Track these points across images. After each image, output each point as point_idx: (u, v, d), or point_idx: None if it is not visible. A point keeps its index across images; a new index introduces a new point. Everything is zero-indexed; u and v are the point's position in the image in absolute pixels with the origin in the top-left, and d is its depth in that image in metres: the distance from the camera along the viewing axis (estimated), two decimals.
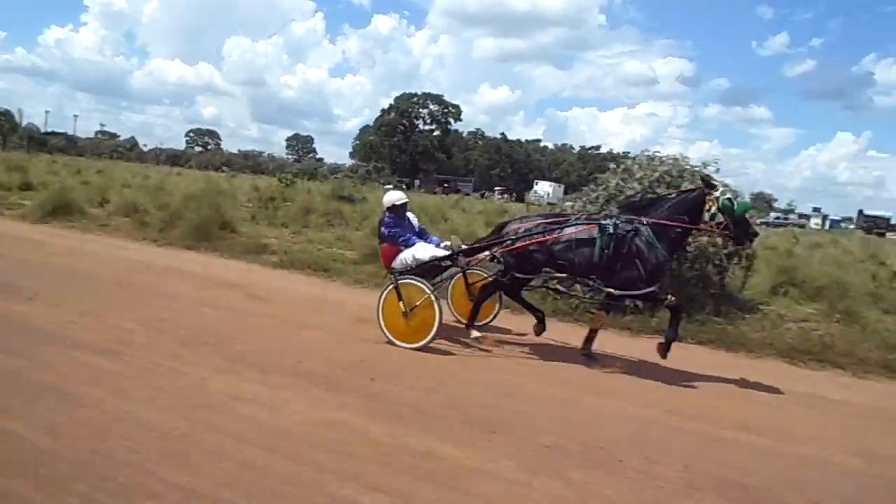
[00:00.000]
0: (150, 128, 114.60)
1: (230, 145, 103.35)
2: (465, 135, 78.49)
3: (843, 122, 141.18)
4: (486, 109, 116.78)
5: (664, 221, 5.11)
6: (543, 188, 54.65)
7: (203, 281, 7.42)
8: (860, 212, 56.51)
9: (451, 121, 73.98)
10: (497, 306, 6.24)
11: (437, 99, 73.53)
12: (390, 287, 5.45)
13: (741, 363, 5.81)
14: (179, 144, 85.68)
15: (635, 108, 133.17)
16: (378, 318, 5.47)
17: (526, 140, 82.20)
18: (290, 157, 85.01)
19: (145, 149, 76.62)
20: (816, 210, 64.68)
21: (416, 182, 62.76)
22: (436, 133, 72.96)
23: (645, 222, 5.14)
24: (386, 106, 73.78)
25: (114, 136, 79.41)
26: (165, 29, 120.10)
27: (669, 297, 5.12)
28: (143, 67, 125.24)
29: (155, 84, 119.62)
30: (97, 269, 7.52)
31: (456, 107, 74.28)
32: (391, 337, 5.40)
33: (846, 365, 5.83)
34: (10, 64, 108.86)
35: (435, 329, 5.24)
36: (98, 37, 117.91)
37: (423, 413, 3.91)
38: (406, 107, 72.05)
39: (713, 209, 4.96)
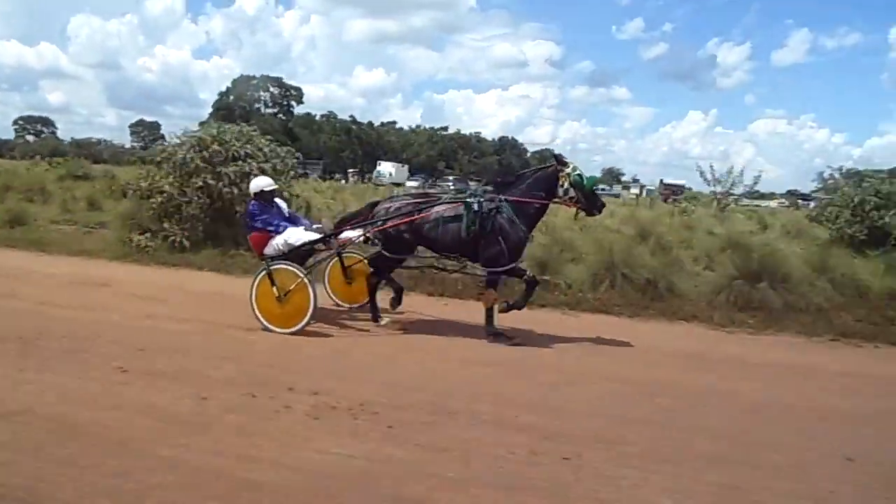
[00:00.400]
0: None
1: (82, 133, 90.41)
2: (318, 118, 76.85)
3: (693, 102, 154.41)
4: (362, 92, 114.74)
5: (524, 199, 5.44)
6: (386, 168, 55.10)
7: None
8: (661, 181, 63.71)
9: (294, 103, 72.31)
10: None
11: (278, 81, 71.31)
12: (263, 273, 5.33)
13: None
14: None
15: (508, 90, 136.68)
16: (252, 304, 5.33)
17: (381, 123, 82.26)
18: (135, 143, 76.14)
19: None
20: (636, 181, 72.37)
21: None
22: (278, 116, 70.31)
23: (506, 200, 5.42)
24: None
25: None
26: None
27: (528, 272, 5.57)
28: None
29: None
30: None
31: (298, 89, 72.91)
32: (266, 323, 5.29)
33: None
34: None
35: (310, 313, 5.22)
36: None
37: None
38: (244, 90, 68.76)
39: (566, 184, 5.37)
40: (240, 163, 8.88)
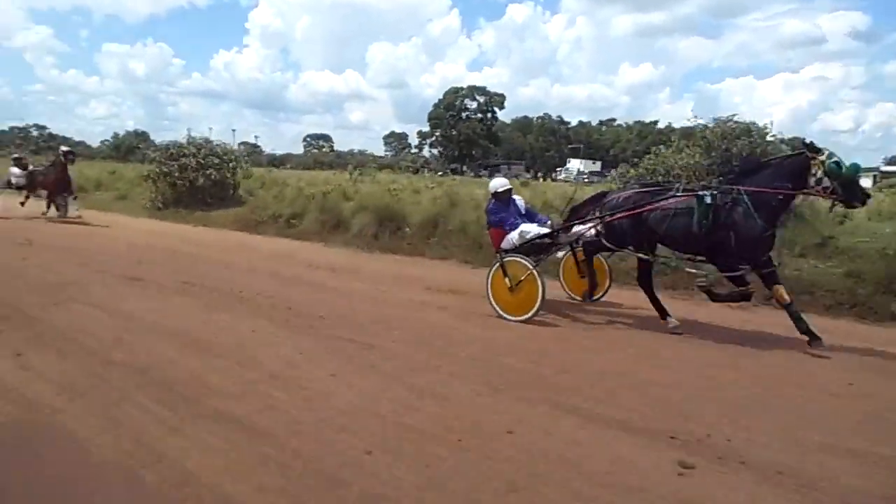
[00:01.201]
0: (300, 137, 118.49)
1: (376, 147, 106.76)
2: (534, 120, 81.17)
3: None
4: (626, 90, 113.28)
5: (765, 189, 4.99)
6: (574, 165, 55.63)
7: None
8: None
9: (496, 109, 76.13)
10: (608, 281, 6.39)
11: (482, 91, 75.85)
12: (496, 265, 5.80)
13: None
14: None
15: (799, 73, 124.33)
16: (487, 293, 5.84)
17: (599, 122, 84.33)
18: (388, 153, 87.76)
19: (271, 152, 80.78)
20: None
21: (463, 168, 65.13)
22: (484, 121, 74.62)
23: (743, 191, 5.03)
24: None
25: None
26: (315, 42, 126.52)
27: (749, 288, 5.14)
28: (297, 80, 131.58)
29: (308, 95, 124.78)
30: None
31: (501, 96, 76.40)
32: (500, 310, 5.73)
33: None
34: (189, 88, 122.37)
35: (539, 302, 5.51)
36: (259, 56, 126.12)
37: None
38: (451, 100, 74.36)
39: (819, 173, 4.86)
40: None
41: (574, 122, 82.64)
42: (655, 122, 77.54)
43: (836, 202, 5.02)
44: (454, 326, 5.45)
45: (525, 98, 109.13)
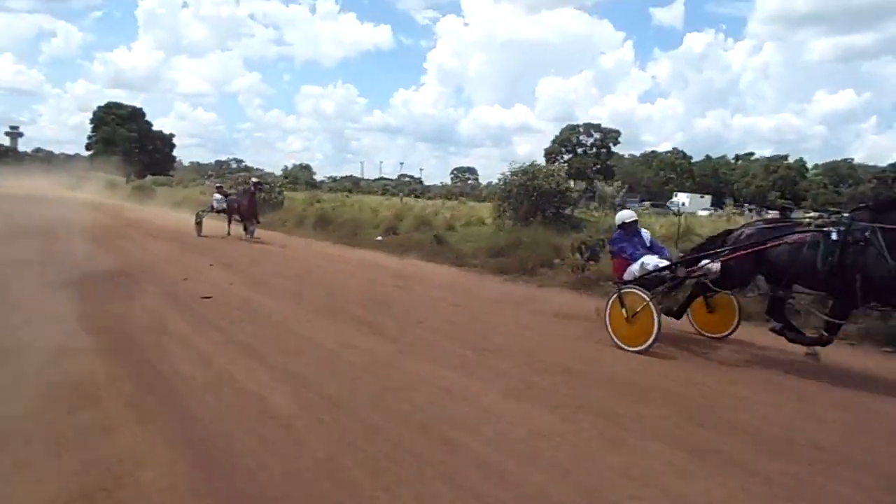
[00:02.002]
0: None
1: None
2: (661, 153, 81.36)
3: None
4: (821, 119, 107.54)
5: None
6: (681, 198, 54.31)
7: None
8: None
9: (611, 144, 77.52)
10: (736, 319, 6.26)
11: (597, 128, 77.65)
12: (614, 296, 6.03)
13: None
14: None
15: None
16: (605, 323, 6.07)
17: (735, 156, 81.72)
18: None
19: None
20: None
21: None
22: (597, 156, 76.32)
23: (877, 229, 4.78)
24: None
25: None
26: (487, 79, 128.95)
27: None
28: (469, 115, 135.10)
29: (478, 129, 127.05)
30: None
31: (616, 132, 77.76)
32: (617, 340, 5.93)
33: None
34: (370, 124, 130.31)
35: (654, 334, 5.62)
36: (434, 93, 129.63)
37: None
38: (566, 136, 77.30)
39: None
40: None
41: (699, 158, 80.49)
42: (786, 157, 73.34)
43: None
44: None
45: (701, 130, 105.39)
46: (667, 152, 79.67)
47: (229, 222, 16.21)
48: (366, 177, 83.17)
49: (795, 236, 5.33)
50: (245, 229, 15.58)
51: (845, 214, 5.24)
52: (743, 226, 6.19)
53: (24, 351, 5.05)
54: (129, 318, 6.40)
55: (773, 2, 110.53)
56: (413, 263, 12.03)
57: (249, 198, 15.59)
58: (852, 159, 71.90)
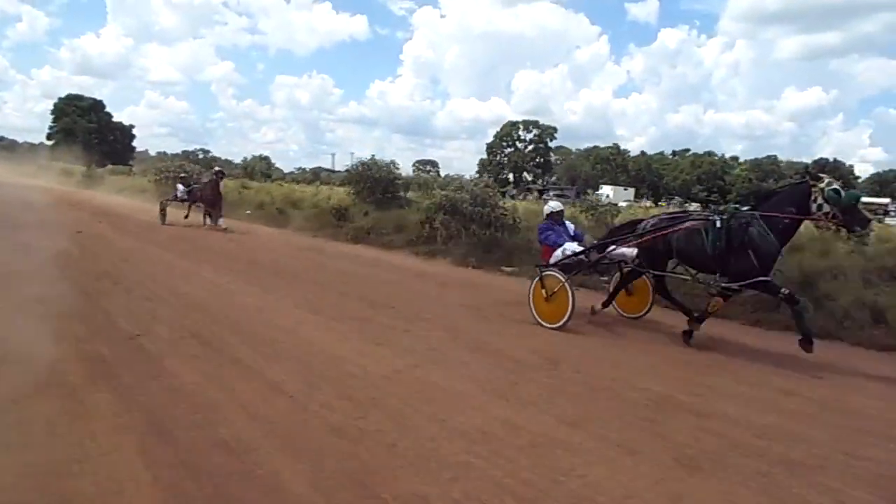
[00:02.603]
0: (448, 161, 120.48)
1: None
2: (600, 148, 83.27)
3: None
4: (790, 115, 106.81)
5: (773, 213, 5.50)
6: (605, 191, 57.91)
7: None
8: None
9: (548, 140, 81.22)
10: (650, 301, 6.95)
11: (535, 124, 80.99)
12: (537, 279, 6.64)
13: None
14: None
15: None
16: (529, 303, 6.68)
17: (672, 152, 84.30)
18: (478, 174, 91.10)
19: None
20: None
21: (514, 191, 68.36)
22: (537, 151, 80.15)
23: (757, 215, 5.55)
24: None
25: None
26: (463, 71, 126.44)
27: (785, 289, 5.46)
28: (444, 108, 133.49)
29: (453, 122, 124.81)
30: None
31: (553, 128, 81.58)
32: (538, 318, 6.54)
33: None
34: (346, 115, 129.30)
35: (569, 312, 6.23)
36: (410, 85, 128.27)
37: None
38: (506, 132, 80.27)
39: (819, 200, 5.32)
40: None
41: (636, 153, 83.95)
42: (711, 153, 77.92)
43: (838, 227, 5.54)
44: None
45: (674, 125, 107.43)
46: (607, 147, 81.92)
47: (189, 207, 16.45)
48: (337, 168, 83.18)
49: (688, 224, 6.07)
50: (209, 216, 15.64)
51: (732, 205, 6.07)
52: (652, 216, 6.97)
53: None
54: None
55: (744, 0, 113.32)
56: (256, 227, 16.88)
57: (213, 187, 15.47)
58: (776, 156, 76.46)
